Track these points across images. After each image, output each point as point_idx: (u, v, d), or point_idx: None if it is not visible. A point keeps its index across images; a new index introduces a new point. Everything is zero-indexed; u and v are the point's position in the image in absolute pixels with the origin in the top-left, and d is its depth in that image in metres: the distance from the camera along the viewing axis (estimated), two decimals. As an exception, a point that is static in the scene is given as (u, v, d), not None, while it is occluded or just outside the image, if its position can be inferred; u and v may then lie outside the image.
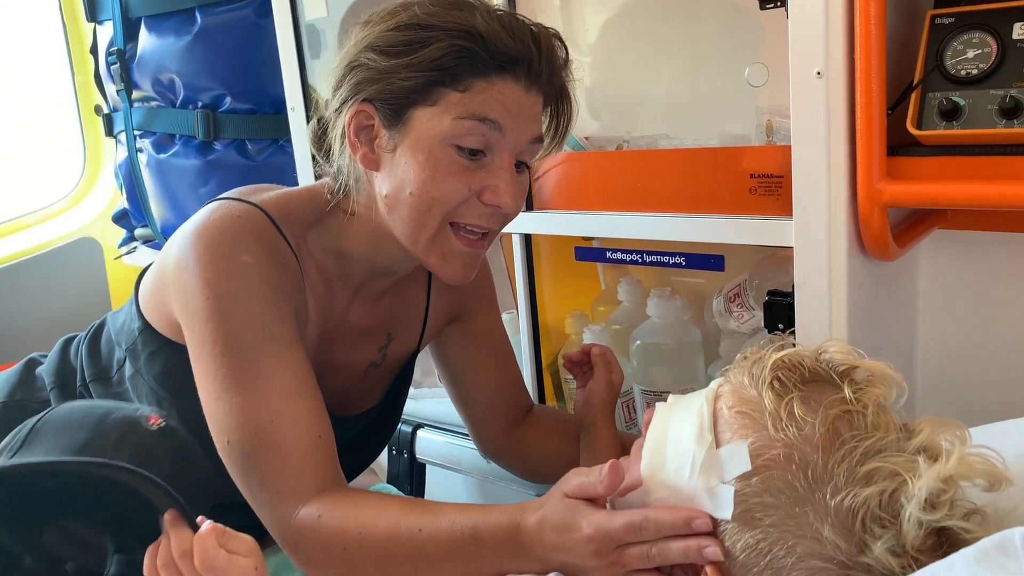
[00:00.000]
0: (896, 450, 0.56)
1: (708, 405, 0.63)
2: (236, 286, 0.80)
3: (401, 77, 0.78)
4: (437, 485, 1.39)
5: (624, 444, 0.99)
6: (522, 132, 0.82)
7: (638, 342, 1.12)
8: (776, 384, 0.60)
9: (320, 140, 0.90)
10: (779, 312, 0.94)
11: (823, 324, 0.89)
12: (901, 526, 0.53)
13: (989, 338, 1.04)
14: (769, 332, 0.96)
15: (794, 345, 0.66)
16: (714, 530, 0.60)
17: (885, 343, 1.01)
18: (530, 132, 0.83)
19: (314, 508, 0.76)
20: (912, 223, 0.97)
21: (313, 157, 1.27)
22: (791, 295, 0.93)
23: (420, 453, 1.34)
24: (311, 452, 0.79)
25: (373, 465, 1.22)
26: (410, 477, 1.35)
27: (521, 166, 0.85)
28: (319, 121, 0.91)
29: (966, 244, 1.02)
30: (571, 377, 1.23)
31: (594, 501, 0.66)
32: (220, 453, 0.80)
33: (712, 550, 0.59)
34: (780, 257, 1.08)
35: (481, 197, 0.81)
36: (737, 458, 0.58)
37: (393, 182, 0.82)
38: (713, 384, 0.66)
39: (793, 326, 0.92)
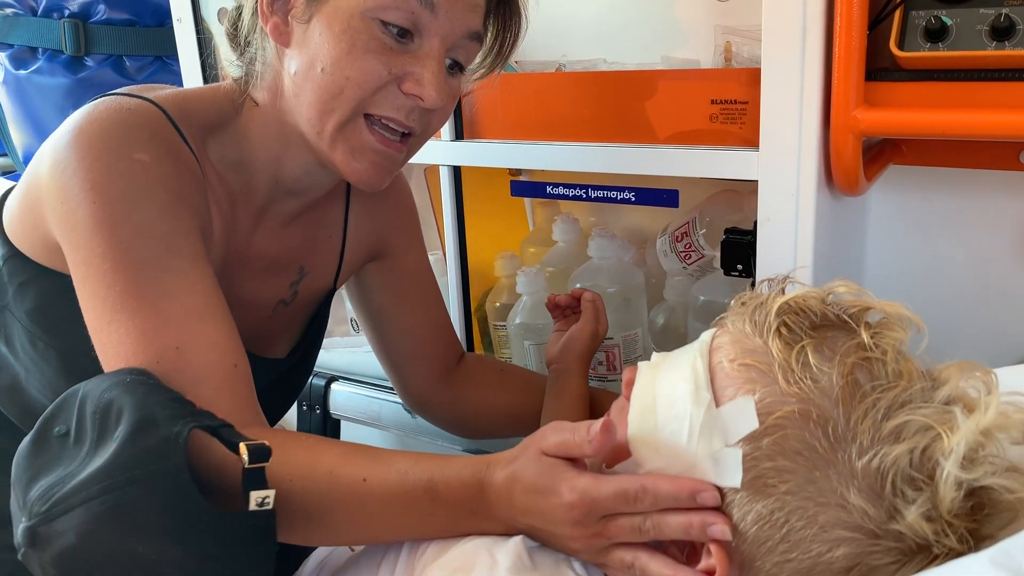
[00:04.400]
0: (923, 401, 0.50)
1: (703, 359, 0.55)
2: (129, 188, 0.66)
3: None
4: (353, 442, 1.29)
5: (593, 398, 0.91)
6: (457, 19, 0.71)
7: (578, 285, 1.04)
8: (784, 331, 0.52)
9: (236, 29, 0.77)
10: (738, 252, 0.88)
11: (787, 263, 0.83)
12: (937, 487, 0.47)
13: (935, 273, 1.01)
14: (726, 273, 0.90)
15: (789, 286, 0.59)
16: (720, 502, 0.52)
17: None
18: (466, 22, 0.72)
19: None
20: (872, 156, 0.92)
21: (202, 66, 1.11)
22: (751, 234, 0.86)
23: (335, 408, 1.23)
24: (227, 382, 0.66)
25: (281, 422, 1.11)
26: (323, 434, 1.24)
27: (454, 68, 0.74)
28: (238, 8, 0.77)
29: (916, 179, 0.99)
30: (503, 323, 1.14)
31: (576, 461, 0.56)
32: None
33: (719, 528, 0.51)
34: (730, 193, 1.02)
35: (401, 85, 0.70)
36: (743, 416, 0.50)
37: (304, 58, 0.70)
38: (706, 335, 0.57)
39: (752, 266, 0.86)
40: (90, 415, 0.59)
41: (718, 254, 0.90)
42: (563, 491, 0.55)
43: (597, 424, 0.54)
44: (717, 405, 0.52)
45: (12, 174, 1.57)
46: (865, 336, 0.52)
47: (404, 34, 0.69)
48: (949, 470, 0.46)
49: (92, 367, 0.66)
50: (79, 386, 0.62)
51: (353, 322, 1.31)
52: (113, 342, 0.65)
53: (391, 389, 1.06)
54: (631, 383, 0.59)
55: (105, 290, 0.65)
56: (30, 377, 0.75)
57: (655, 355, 0.60)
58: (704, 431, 0.52)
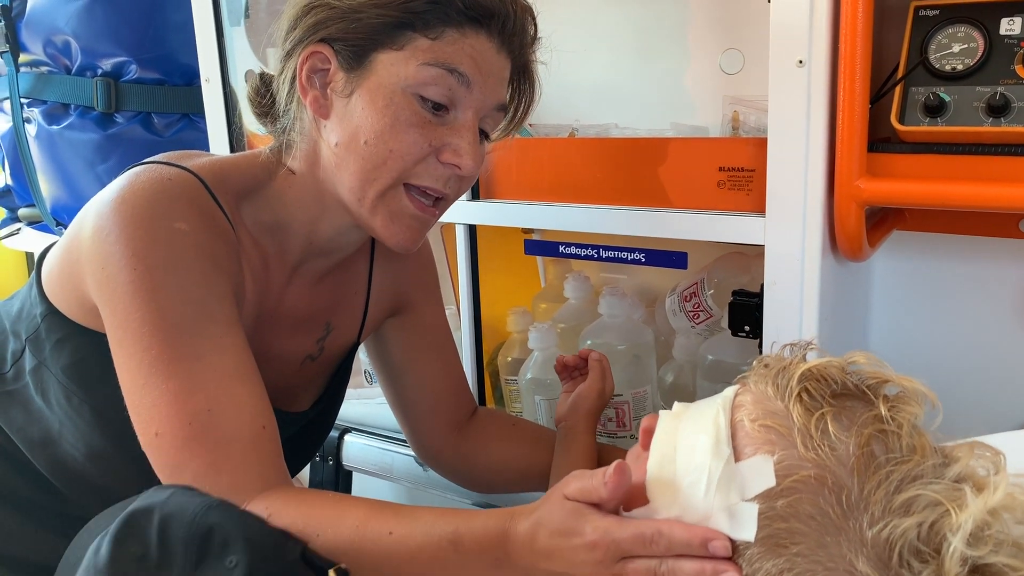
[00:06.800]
0: (934, 477, 0.51)
1: (725, 414, 0.57)
2: (169, 256, 0.70)
3: (367, 16, 0.71)
4: (365, 494, 1.30)
5: (601, 455, 0.93)
6: (489, 92, 0.75)
7: (589, 342, 1.06)
8: (805, 397, 0.54)
9: (261, 96, 0.82)
10: (745, 313, 0.90)
11: (792, 326, 0.85)
12: (943, 561, 0.48)
13: (938, 336, 1.03)
14: (733, 334, 0.92)
15: (810, 352, 0.61)
16: (732, 553, 0.53)
17: (842, 345, 0.99)
18: (496, 95, 0.77)
19: (261, 506, 0.66)
20: (875, 223, 0.95)
21: (228, 124, 1.15)
22: (758, 296, 0.89)
23: (347, 459, 1.24)
24: (255, 443, 0.69)
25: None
26: (335, 486, 1.25)
27: (482, 135, 0.79)
28: (262, 77, 0.82)
29: (920, 244, 1.01)
30: (514, 378, 1.16)
31: (598, 506, 0.58)
32: (146, 450, 0.68)
33: None
34: (738, 255, 1.05)
35: (440, 156, 0.75)
36: (760, 473, 0.52)
37: (346, 130, 0.74)
38: (728, 391, 0.59)
39: (759, 328, 0.88)
40: (181, 540, 0.57)
41: (726, 314, 0.92)
42: (586, 531, 0.57)
43: (611, 467, 0.56)
44: (736, 461, 0.54)
45: (38, 224, 1.62)
46: (883, 409, 0.53)
47: (439, 107, 0.73)
48: (956, 546, 0.48)
49: (125, 424, 0.69)
50: (147, 503, 0.59)
51: (367, 374, 1.33)
52: (147, 404, 0.68)
53: (403, 441, 1.08)
54: (649, 431, 0.60)
55: (141, 353, 0.68)
56: (64, 431, 0.78)
57: (676, 405, 0.62)
58: (722, 484, 0.53)
